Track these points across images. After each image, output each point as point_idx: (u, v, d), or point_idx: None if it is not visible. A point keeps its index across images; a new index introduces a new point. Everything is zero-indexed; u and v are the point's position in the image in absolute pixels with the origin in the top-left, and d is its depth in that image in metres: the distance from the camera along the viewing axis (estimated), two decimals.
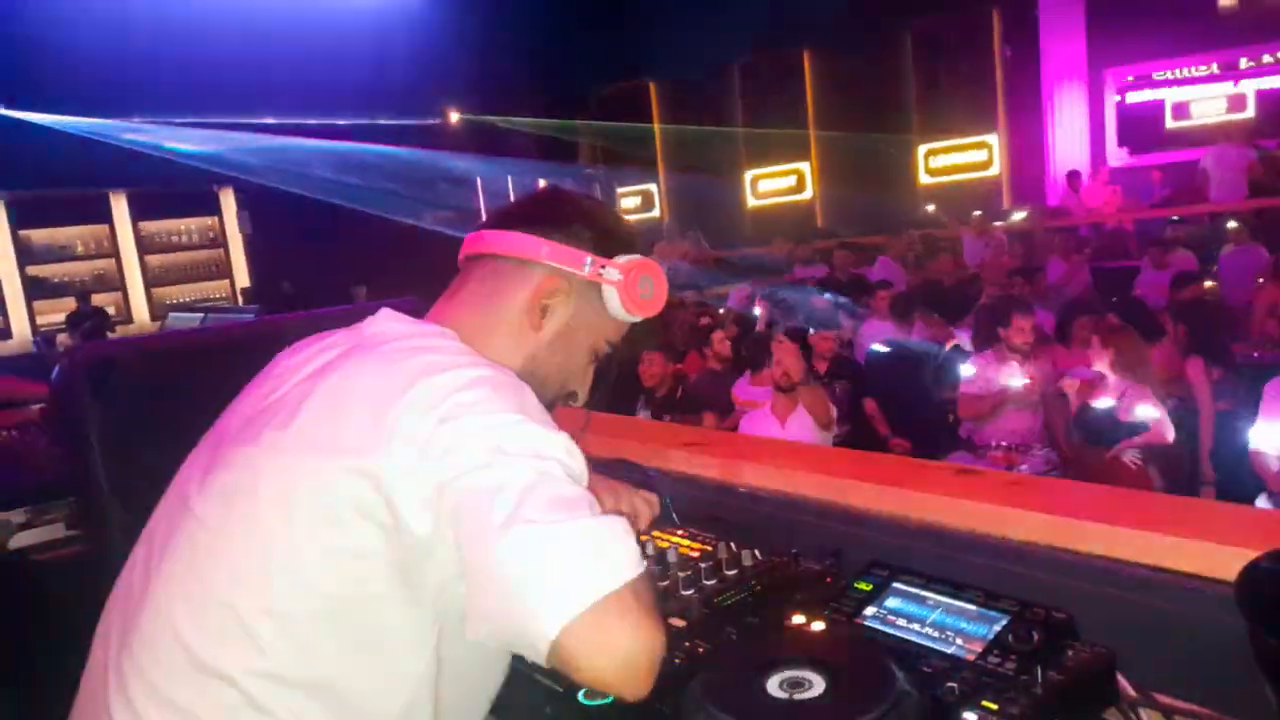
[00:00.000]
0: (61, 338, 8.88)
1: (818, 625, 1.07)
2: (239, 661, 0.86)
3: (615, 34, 11.60)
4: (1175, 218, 8.30)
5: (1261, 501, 3.47)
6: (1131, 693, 0.97)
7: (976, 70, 10.98)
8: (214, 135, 9.89)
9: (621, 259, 1.07)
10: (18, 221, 9.89)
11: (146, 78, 8.94)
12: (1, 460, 2.54)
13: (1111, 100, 10.54)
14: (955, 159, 11.29)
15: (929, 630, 1.04)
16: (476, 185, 12.49)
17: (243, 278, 11.28)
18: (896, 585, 1.12)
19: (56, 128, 9.00)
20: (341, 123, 10.58)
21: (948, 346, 5.17)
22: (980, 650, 0.98)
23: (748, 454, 1.63)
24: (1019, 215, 9.47)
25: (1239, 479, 3.69)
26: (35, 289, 10.05)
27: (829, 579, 1.22)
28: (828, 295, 6.42)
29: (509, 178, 12.23)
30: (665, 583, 1.20)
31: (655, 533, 1.33)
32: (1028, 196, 10.43)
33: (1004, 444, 4.26)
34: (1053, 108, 10.64)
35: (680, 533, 1.37)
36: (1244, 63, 9.87)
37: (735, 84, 12.71)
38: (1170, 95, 10.29)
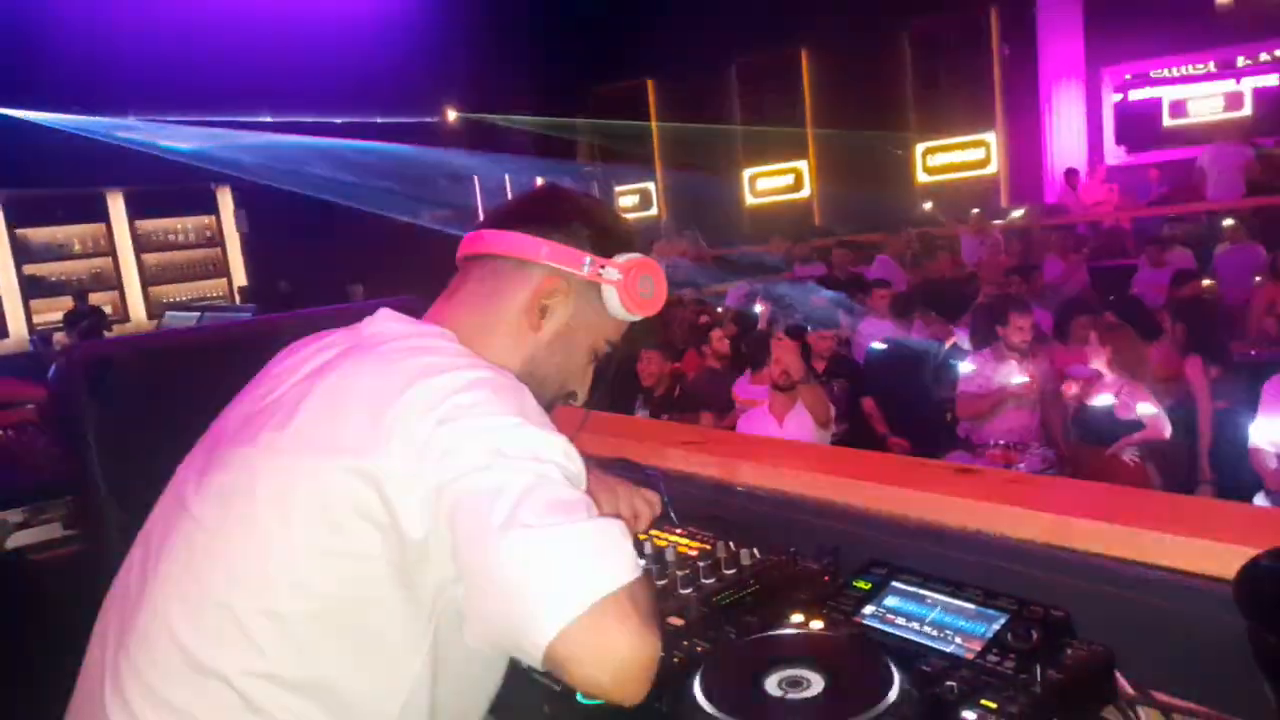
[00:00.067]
0: (58, 336, 8.87)
1: (816, 624, 1.07)
2: (236, 662, 0.85)
3: (613, 33, 11.59)
4: (1172, 216, 8.31)
5: (1259, 499, 3.47)
6: (1130, 691, 0.97)
7: (974, 69, 10.99)
8: (211, 134, 9.88)
9: (621, 258, 1.06)
10: (14, 220, 9.88)
11: (143, 76, 8.92)
12: None
13: (1109, 98, 10.55)
14: (953, 157, 11.30)
15: (928, 629, 1.04)
16: (474, 184, 12.49)
17: (240, 276, 11.27)
18: (895, 584, 1.12)
19: (53, 126, 8.99)
20: (339, 121, 10.56)
21: (947, 345, 5.18)
22: (979, 649, 0.98)
23: (746, 453, 1.63)
24: (1017, 213, 9.48)
25: (1237, 477, 3.69)
26: (32, 288, 10.03)
27: (827, 578, 1.22)
28: (826, 293, 6.42)
29: (506, 176, 12.22)
30: (664, 581, 1.20)
31: (654, 531, 1.33)
32: (1025, 195, 10.44)
33: (1002, 442, 4.26)
34: (1050, 106, 10.65)
35: (679, 531, 1.37)
36: (1241, 61, 9.89)
37: (733, 82, 12.71)
38: (1168, 93, 10.30)
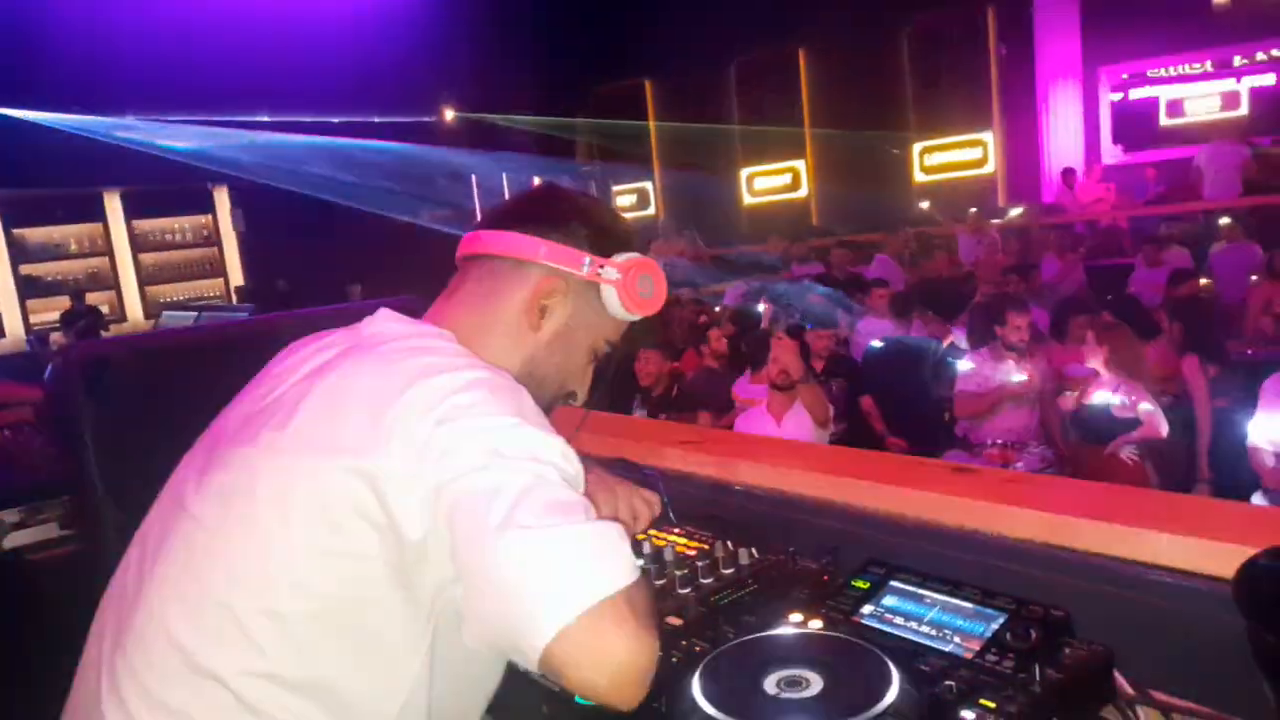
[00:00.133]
0: (55, 336, 8.85)
1: (815, 624, 1.07)
2: (234, 662, 0.85)
3: (612, 32, 11.59)
4: (1169, 215, 8.32)
5: (1257, 499, 3.48)
6: (1129, 690, 0.97)
7: (971, 68, 11.00)
8: (208, 133, 9.86)
9: (620, 258, 1.06)
10: (11, 220, 9.86)
11: (140, 75, 8.90)
12: None
13: (1106, 98, 10.56)
14: (950, 157, 11.30)
15: (926, 628, 1.04)
16: (472, 183, 12.47)
17: (237, 276, 11.25)
18: (894, 583, 1.12)
19: (50, 125, 8.97)
20: (337, 120, 10.55)
21: (945, 343, 5.18)
22: (978, 648, 0.98)
23: (744, 452, 1.63)
24: (1015, 212, 9.49)
25: (1234, 476, 3.70)
26: (29, 288, 10.02)
27: (826, 577, 1.22)
28: (822, 291, 6.42)
29: (505, 175, 12.21)
30: (662, 581, 1.20)
31: (652, 531, 1.32)
32: (1023, 194, 10.45)
33: (1000, 442, 4.26)
34: (1048, 105, 10.66)
35: (677, 531, 1.37)
36: (1238, 60, 9.90)
37: (731, 82, 12.71)
38: (1165, 93, 10.31)
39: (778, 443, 2.96)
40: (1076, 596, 1.03)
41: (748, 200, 13.00)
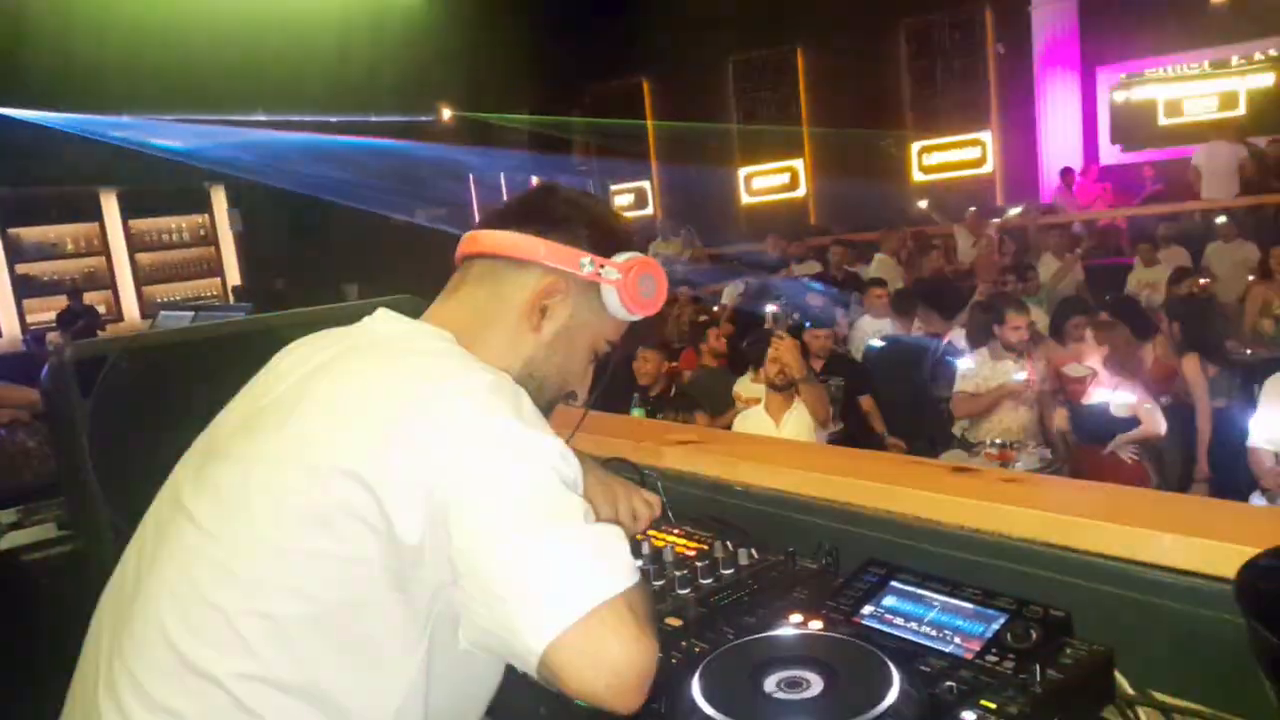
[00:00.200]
0: (52, 336, 8.83)
1: (815, 624, 1.06)
2: (229, 664, 0.85)
3: (609, 31, 11.58)
4: (1167, 215, 8.33)
5: (1255, 499, 3.48)
6: (1129, 691, 0.97)
7: (969, 67, 11.01)
8: (204, 132, 9.84)
9: (620, 257, 1.06)
10: (7, 219, 9.84)
11: (136, 74, 8.89)
12: None
13: (1104, 97, 10.57)
14: (948, 156, 11.31)
15: (927, 629, 1.03)
16: (469, 183, 12.46)
17: (234, 276, 11.23)
18: (894, 584, 1.12)
19: (46, 124, 8.94)
20: (334, 119, 10.53)
21: (944, 342, 5.19)
22: (978, 649, 0.97)
23: (743, 452, 1.63)
24: (1013, 211, 9.50)
25: (1231, 476, 3.70)
26: (24, 287, 9.99)
27: (826, 578, 1.22)
28: (820, 289, 6.43)
29: (502, 175, 12.20)
30: (661, 582, 1.19)
31: (651, 532, 1.32)
32: (1020, 194, 10.45)
33: (998, 442, 4.27)
34: (1045, 105, 10.67)
35: (676, 531, 1.36)
36: (1235, 60, 9.91)
37: (729, 81, 12.71)
38: (1162, 92, 10.32)
39: (777, 443, 2.96)
40: (1077, 597, 1.03)
41: (745, 199, 13.00)
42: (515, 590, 0.77)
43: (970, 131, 11.07)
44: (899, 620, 1.06)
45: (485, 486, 0.81)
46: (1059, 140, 10.64)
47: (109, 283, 10.51)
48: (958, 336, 5.12)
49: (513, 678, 1.00)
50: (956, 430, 4.54)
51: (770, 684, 0.90)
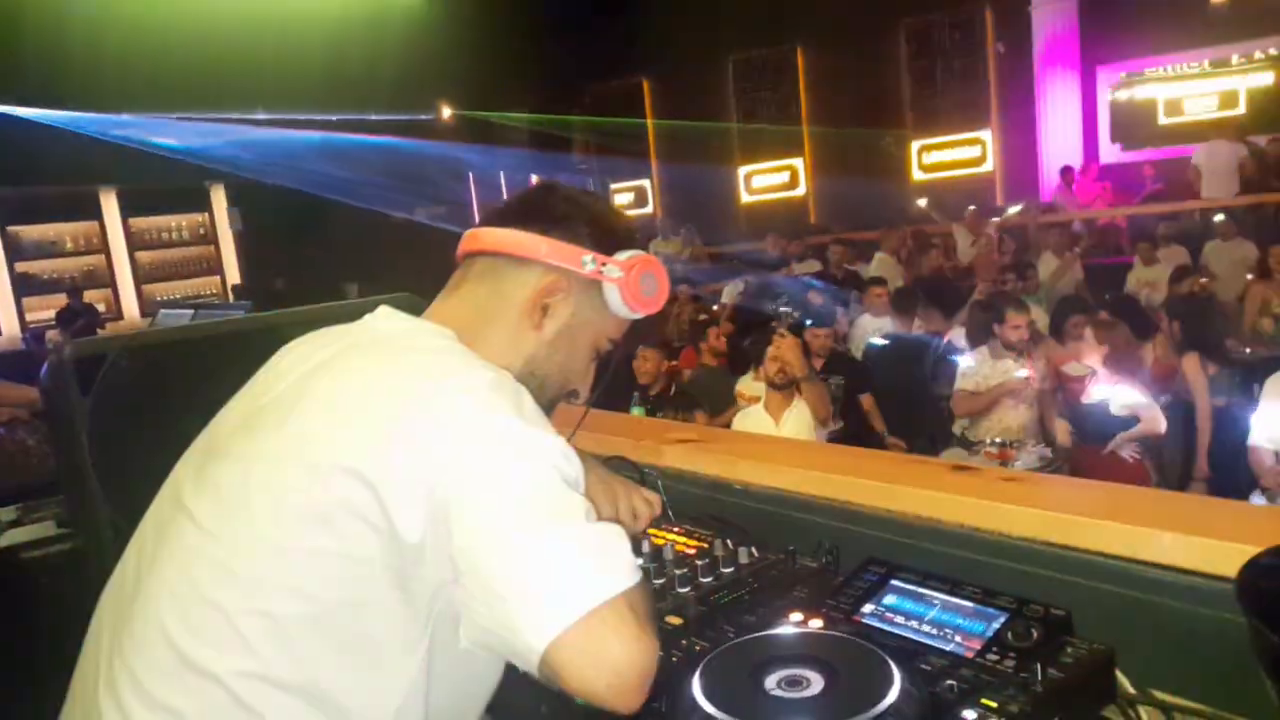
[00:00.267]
0: (51, 334, 8.82)
1: (815, 623, 1.06)
2: (228, 662, 0.84)
3: (610, 31, 11.57)
4: (1167, 214, 8.33)
5: (1255, 498, 3.48)
6: (1130, 689, 0.96)
7: (969, 66, 11.01)
8: (205, 130, 9.83)
9: (622, 255, 1.06)
10: (6, 217, 9.82)
11: (136, 72, 8.87)
12: None
13: (1104, 96, 10.57)
14: (948, 155, 11.31)
15: (927, 628, 1.03)
16: (469, 181, 12.45)
17: (233, 274, 11.23)
18: (894, 582, 1.12)
19: (45, 123, 8.93)
20: (334, 118, 10.52)
21: (945, 340, 5.19)
22: (979, 648, 0.97)
23: (743, 451, 1.62)
24: (1013, 210, 9.50)
25: (1231, 475, 3.70)
26: (24, 285, 9.99)
27: (826, 576, 1.22)
28: (820, 287, 6.43)
29: (502, 174, 12.19)
30: (662, 580, 1.19)
31: (651, 530, 1.32)
32: (1020, 193, 10.45)
33: (998, 440, 4.27)
34: (1045, 104, 10.67)
35: (676, 530, 1.36)
36: (1235, 59, 9.91)
37: (729, 80, 12.70)
38: (1162, 92, 10.32)
39: (777, 441, 2.96)
40: (1078, 595, 1.03)
41: (745, 198, 12.99)
42: (516, 589, 0.77)
43: (970, 130, 11.07)
44: (899, 619, 1.06)
45: (486, 485, 0.81)
46: (1059, 139, 10.64)
47: (109, 281, 10.50)
48: (958, 335, 5.12)
49: (513, 676, 1.00)
50: (956, 429, 4.54)
51: (771, 682, 0.90)
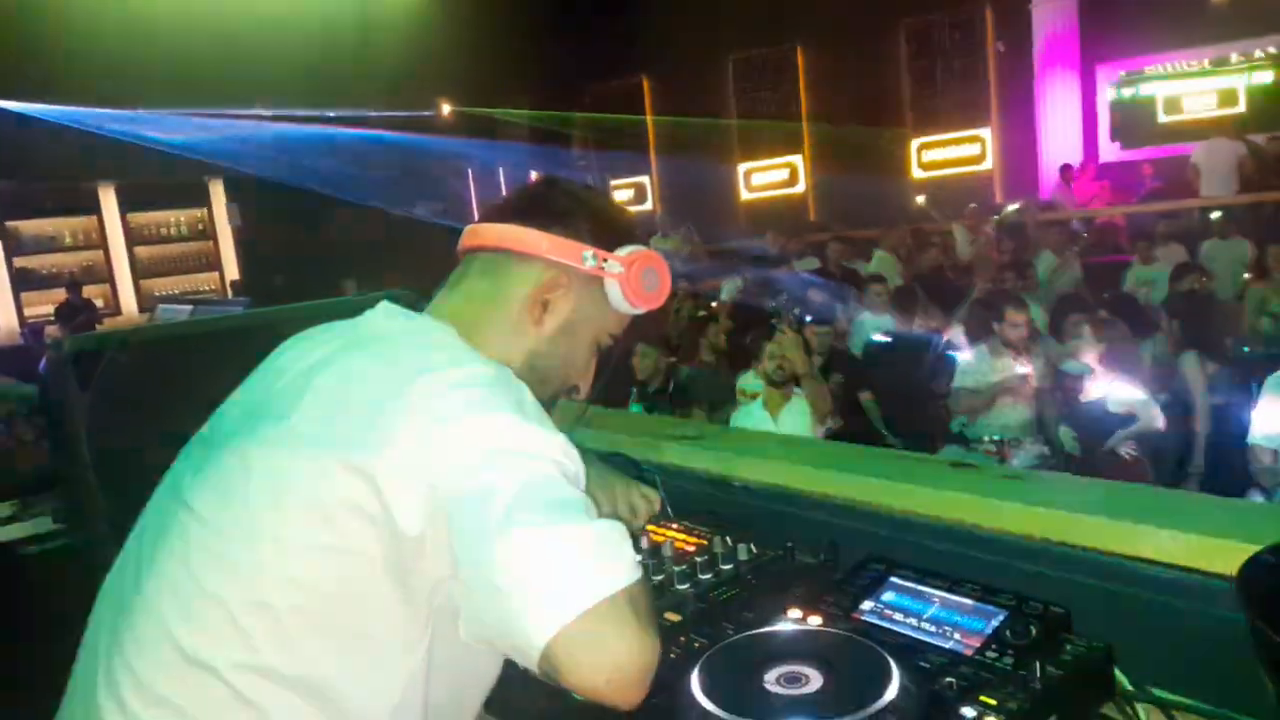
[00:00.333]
0: (50, 329, 8.82)
1: (814, 620, 1.06)
2: (228, 656, 0.84)
3: (610, 28, 11.55)
4: (1166, 212, 8.33)
5: (1252, 496, 3.48)
6: (1129, 687, 0.96)
7: (969, 64, 11.00)
8: (203, 126, 9.81)
9: (623, 251, 1.05)
10: (5, 212, 9.81)
11: (134, 67, 8.86)
12: None
13: (1104, 94, 10.57)
14: (948, 153, 11.31)
15: (926, 625, 1.03)
16: (469, 178, 12.44)
17: (232, 270, 11.22)
18: (893, 580, 1.12)
19: (44, 118, 8.91)
20: (333, 114, 10.50)
21: (945, 338, 5.19)
22: (978, 645, 0.97)
23: (743, 448, 1.62)
24: (1012, 208, 9.50)
25: (1228, 473, 3.71)
26: (22, 281, 9.97)
27: (825, 573, 1.22)
28: (821, 285, 6.42)
29: (501, 171, 12.17)
30: (660, 577, 1.19)
31: (650, 527, 1.32)
32: (1019, 191, 10.45)
33: (996, 438, 4.27)
34: (1045, 102, 10.66)
35: (675, 527, 1.36)
36: (1235, 58, 9.91)
37: (729, 78, 12.69)
38: (1162, 90, 10.32)
39: (776, 438, 2.95)
40: (1077, 593, 1.03)
41: (745, 196, 12.99)
42: (517, 585, 0.77)
43: (970, 128, 11.06)
44: (898, 616, 1.06)
45: (487, 482, 0.81)
46: (1058, 138, 10.63)
47: (107, 276, 10.49)
48: (959, 333, 5.12)
49: (511, 671, 1.00)
50: (955, 426, 4.54)
51: (770, 679, 0.90)
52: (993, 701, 0.87)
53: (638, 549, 1.22)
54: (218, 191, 11.05)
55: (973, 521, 1.20)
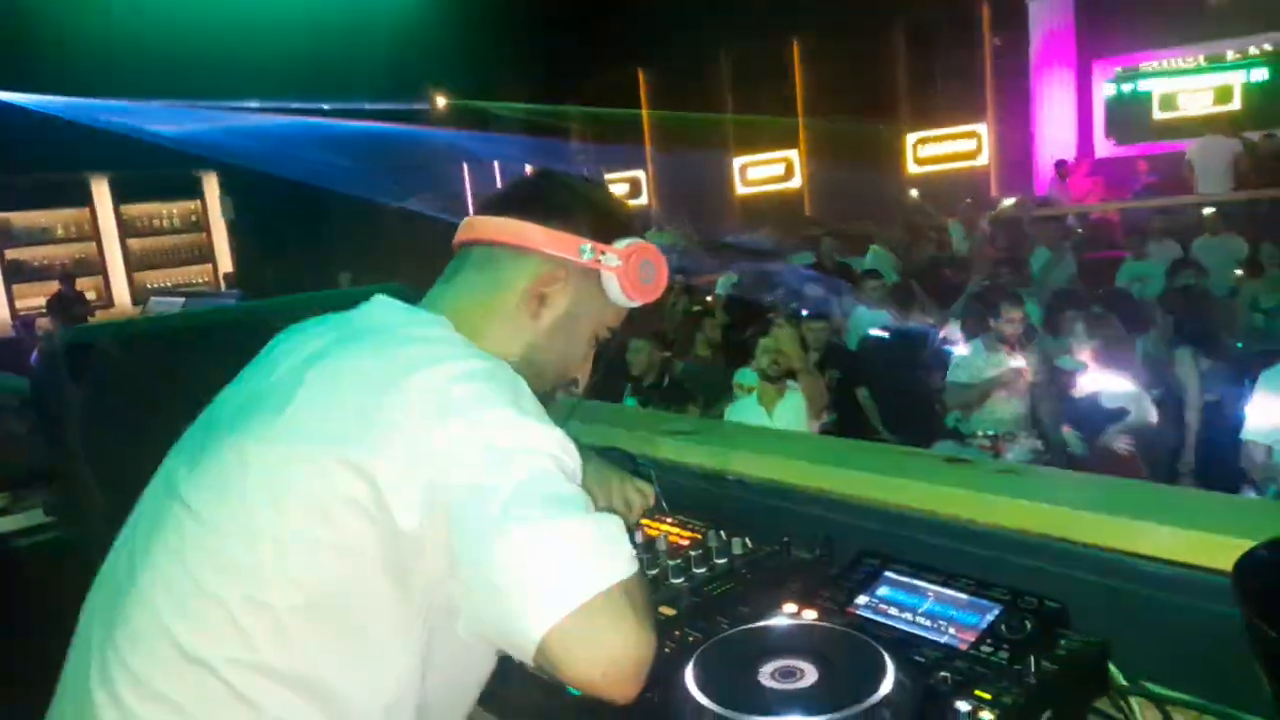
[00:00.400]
0: (42, 321, 8.79)
1: (809, 614, 1.06)
2: (224, 652, 0.84)
3: (605, 21, 11.53)
4: (1160, 208, 8.35)
5: (1246, 493, 3.49)
6: (1123, 682, 0.97)
7: (966, 60, 11.01)
8: (197, 117, 9.77)
9: (620, 244, 1.05)
10: None
11: (128, 58, 8.80)
12: None
13: (1100, 91, 10.58)
14: (944, 148, 11.32)
15: (921, 620, 1.03)
16: (463, 171, 12.41)
17: (225, 262, 11.19)
18: (888, 574, 1.12)
19: (36, 108, 8.86)
20: (327, 106, 10.46)
21: (941, 334, 5.20)
22: (973, 640, 0.97)
23: (737, 442, 1.62)
24: (1007, 203, 9.52)
25: (1221, 469, 3.72)
26: (14, 273, 9.93)
27: (820, 568, 1.21)
28: (818, 279, 6.43)
29: (496, 164, 12.15)
30: (655, 571, 1.19)
31: (645, 521, 1.32)
32: (1015, 186, 10.47)
33: (991, 433, 4.28)
34: (1041, 98, 10.68)
35: (670, 521, 1.36)
36: (1230, 55, 9.93)
37: (725, 71, 12.67)
38: (1158, 86, 10.34)
39: (771, 433, 2.96)
40: (1072, 588, 1.03)
41: (740, 190, 12.99)
42: (513, 579, 0.77)
43: (966, 124, 11.07)
44: (893, 611, 1.06)
45: (484, 477, 0.81)
46: (1054, 133, 10.65)
47: (99, 269, 10.45)
48: (954, 328, 5.13)
49: (507, 666, 1.00)
50: (949, 421, 4.55)
51: (765, 674, 0.90)
52: (988, 696, 0.87)
53: (632, 543, 1.22)
54: (211, 184, 11.01)
55: (968, 516, 1.21)
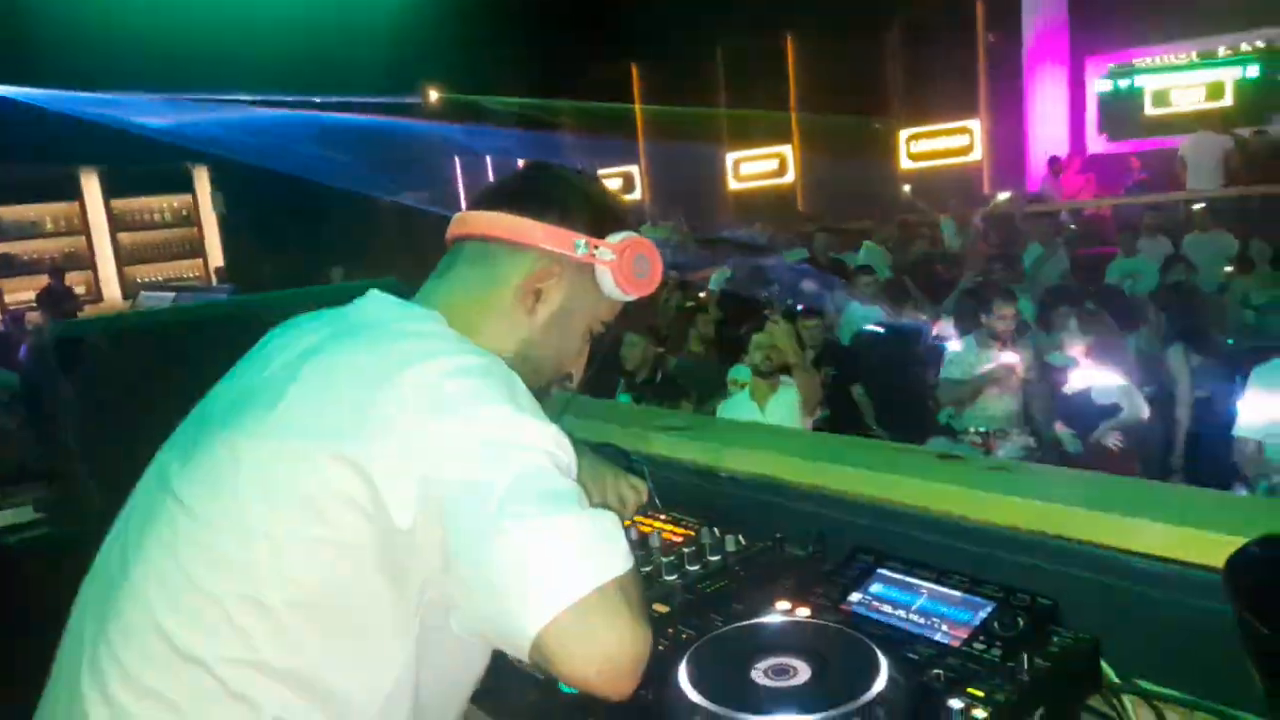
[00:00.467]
0: (32, 316, 8.73)
1: (802, 611, 1.06)
2: (217, 649, 0.84)
3: (599, 15, 11.50)
4: (1152, 205, 8.38)
5: (1237, 489, 3.50)
6: (1115, 679, 0.97)
7: (959, 56, 11.01)
8: (188, 111, 9.70)
9: (615, 238, 1.04)
10: None
11: (118, 50, 8.73)
12: None
13: (1092, 87, 10.60)
14: (937, 144, 11.33)
15: (914, 617, 1.03)
16: (455, 166, 12.37)
17: (217, 257, 11.13)
18: (881, 571, 1.12)
19: (25, 100, 8.79)
20: (319, 100, 10.41)
21: (933, 330, 5.21)
22: (965, 637, 0.98)
23: (730, 438, 1.62)
24: (1001, 198, 9.54)
25: (1212, 466, 3.73)
26: (3, 267, 9.87)
27: (813, 564, 1.21)
28: (812, 275, 6.44)
29: (488, 158, 12.11)
30: (648, 568, 1.18)
31: (638, 517, 1.31)
32: (1008, 182, 10.49)
33: (982, 429, 4.29)
34: (1034, 94, 10.70)
35: (663, 518, 1.36)
36: (1222, 51, 9.96)
37: (719, 67, 12.65)
38: (1150, 83, 10.36)
39: (764, 429, 2.96)
40: (1064, 585, 1.03)
41: (733, 185, 12.98)
42: (509, 575, 0.77)
43: (959, 119, 11.09)
44: (886, 608, 1.06)
45: (479, 473, 0.80)
46: (1047, 129, 10.68)
47: (89, 263, 10.38)
48: (947, 324, 5.14)
49: (501, 663, 1.00)
50: (942, 418, 4.56)
51: (757, 671, 0.90)
52: (980, 693, 0.87)
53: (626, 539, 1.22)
54: (202, 178, 10.95)
55: (960, 513, 1.21)
